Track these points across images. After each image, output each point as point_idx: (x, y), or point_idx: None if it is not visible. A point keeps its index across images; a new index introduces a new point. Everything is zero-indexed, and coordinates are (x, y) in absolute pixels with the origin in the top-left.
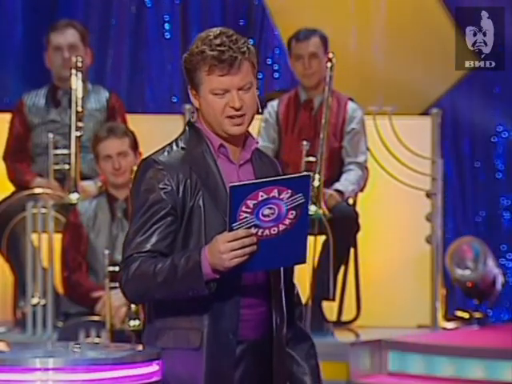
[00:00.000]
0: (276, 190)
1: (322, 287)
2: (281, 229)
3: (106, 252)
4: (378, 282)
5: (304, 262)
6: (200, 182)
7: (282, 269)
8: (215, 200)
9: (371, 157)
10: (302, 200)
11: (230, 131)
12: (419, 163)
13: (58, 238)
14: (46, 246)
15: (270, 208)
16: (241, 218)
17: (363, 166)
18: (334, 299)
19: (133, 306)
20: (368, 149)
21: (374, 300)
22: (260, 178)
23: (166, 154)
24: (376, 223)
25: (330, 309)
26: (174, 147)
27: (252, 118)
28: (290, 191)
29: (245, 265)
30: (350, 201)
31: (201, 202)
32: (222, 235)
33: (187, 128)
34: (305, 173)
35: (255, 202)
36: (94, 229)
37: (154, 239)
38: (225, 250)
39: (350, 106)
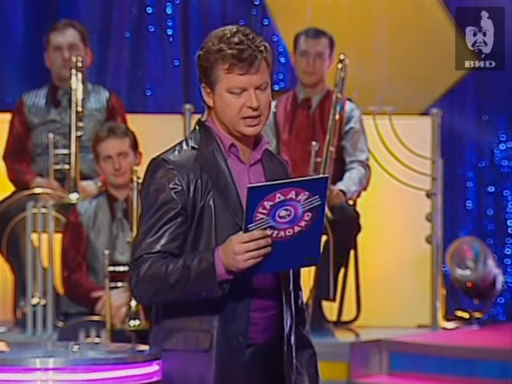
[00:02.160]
0: (293, 192)
1: (323, 287)
2: (296, 230)
3: (106, 252)
4: (378, 282)
5: (317, 263)
6: (211, 181)
7: (291, 271)
8: (226, 200)
9: (371, 157)
10: (319, 202)
11: (244, 132)
12: (419, 163)
13: (58, 238)
14: (46, 245)
15: (287, 209)
16: (257, 219)
17: (365, 164)
18: (334, 299)
19: (133, 305)
20: (369, 149)
21: (374, 300)
22: (270, 178)
23: (176, 153)
24: (376, 223)
25: (329, 309)
26: (184, 146)
27: (267, 118)
28: (307, 193)
29: (258, 266)
30: (351, 201)
31: (211, 202)
32: (237, 236)
33: (197, 127)
34: (323, 175)
35: (272, 203)
36: (93, 229)
37: (164, 240)
38: (240, 250)
39: (349, 105)
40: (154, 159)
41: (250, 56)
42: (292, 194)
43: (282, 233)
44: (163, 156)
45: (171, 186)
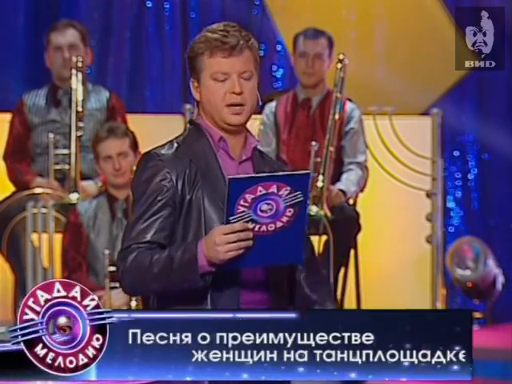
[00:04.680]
0: (275, 186)
1: None
2: (278, 226)
3: (106, 252)
4: (378, 282)
5: (300, 262)
6: (199, 174)
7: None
8: (214, 193)
9: (371, 157)
10: (301, 198)
11: (228, 120)
12: (419, 163)
13: (58, 237)
14: (47, 245)
15: (268, 204)
16: (238, 211)
17: (363, 166)
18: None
19: (133, 305)
20: (367, 146)
21: (374, 300)
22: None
23: (166, 147)
24: (376, 223)
25: None
26: (175, 143)
27: (251, 110)
28: (289, 188)
29: (240, 260)
30: (351, 201)
31: (200, 195)
32: (219, 227)
33: (188, 125)
34: (305, 170)
35: (253, 196)
36: (94, 229)
37: (152, 230)
38: (220, 242)
39: (349, 105)
40: (144, 153)
41: (232, 40)
42: (273, 188)
43: (263, 227)
44: (154, 150)
45: (160, 177)
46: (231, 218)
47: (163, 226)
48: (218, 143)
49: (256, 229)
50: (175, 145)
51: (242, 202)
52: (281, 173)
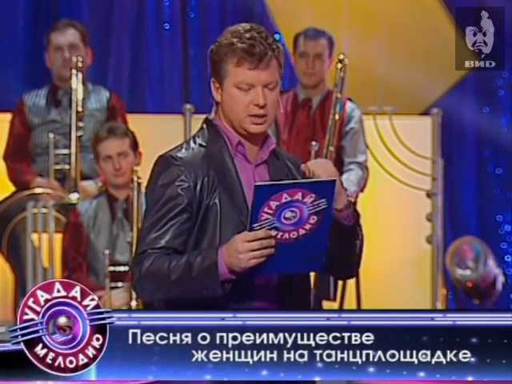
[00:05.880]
0: (300, 193)
1: (323, 287)
2: (300, 233)
3: (107, 252)
4: (378, 282)
5: (320, 269)
6: (217, 179)
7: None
8: (231, 198)
9: (371, 157)
10: (325, 206)
11: (249, 129)
12: (419, 163)
13: (58, 237)
14: (47, 245)
15: (293, 211)
16: (262, 218)
17: (363, 166)
18: (334, 299)
19: (133, 305)
20: (367, 146)
21: (374, 300)
22: (275, 179)
23: (183, 150)
24: (376, 223)
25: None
26: (192, 144)
27: (273, 119)
28: (314, 195)
29: (261, 268)
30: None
31: (217, 200)
32: (242, 234)
33: (204, 125)
34: (331, 178)
35: (278, 203)
36: (94, 229)
37: (168, 236)
38: (243, 249)
39: (349, 105)
40: (161, 156)
41: (260, 51)
42: (298, 196)
43: (286, 235)
44: (170, 153)
45: (178, 182)
46: (255, 225)
47: (179, 232)
48: (235, 147)
49: (279, 236)
50: (192, 146)
51: (266, 209)
52: (307, 180)
